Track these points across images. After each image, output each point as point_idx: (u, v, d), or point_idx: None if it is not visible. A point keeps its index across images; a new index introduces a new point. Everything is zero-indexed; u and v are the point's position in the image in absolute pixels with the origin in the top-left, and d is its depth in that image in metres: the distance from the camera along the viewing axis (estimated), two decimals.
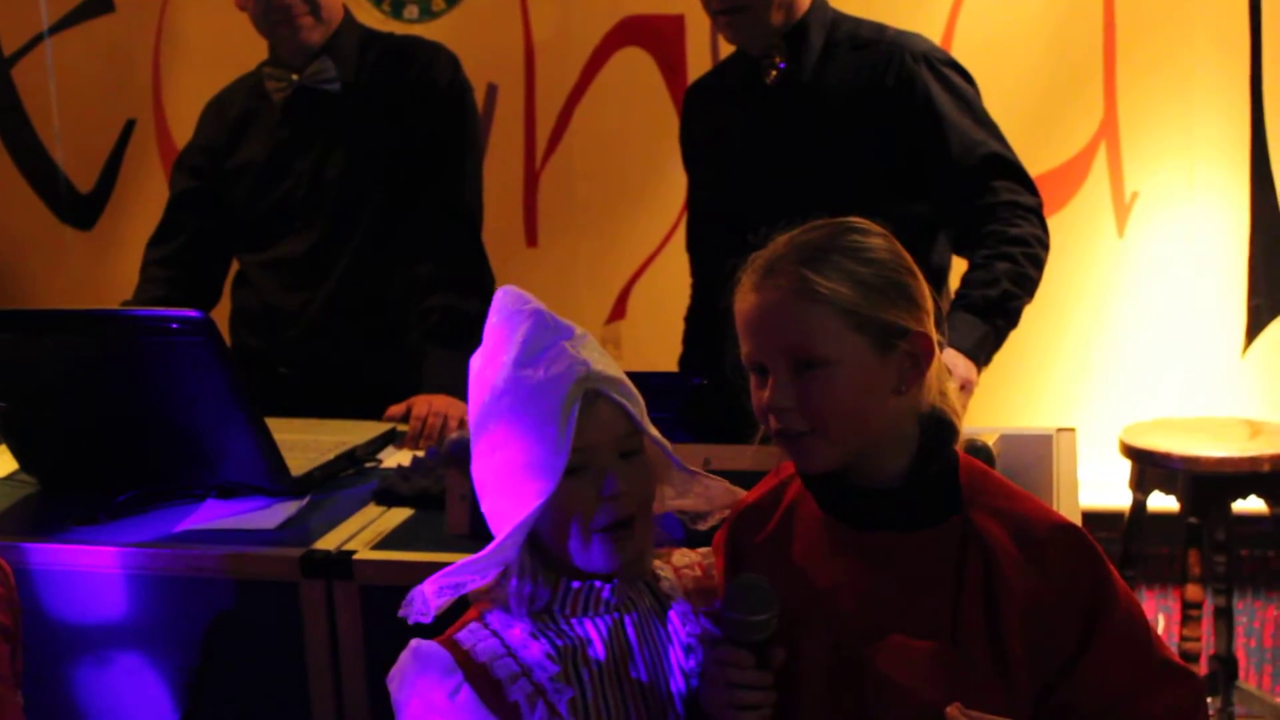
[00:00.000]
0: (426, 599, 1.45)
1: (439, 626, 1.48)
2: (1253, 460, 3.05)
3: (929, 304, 1.51)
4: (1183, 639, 3.20)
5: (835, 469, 1.50)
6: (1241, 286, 3.45)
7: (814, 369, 1.45)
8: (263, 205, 2.79)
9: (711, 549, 1.63)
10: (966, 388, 2.13)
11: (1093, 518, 2.23)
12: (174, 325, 2.00)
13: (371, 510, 2.11)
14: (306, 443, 2.31)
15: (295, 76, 2.73)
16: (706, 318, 2.61)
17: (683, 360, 2.73)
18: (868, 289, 1.46)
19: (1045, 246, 2.35)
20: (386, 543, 1.96)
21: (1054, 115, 3.46)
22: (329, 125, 2.75)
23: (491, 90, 3.73)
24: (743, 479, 1.62)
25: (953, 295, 2.35)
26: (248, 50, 2.86)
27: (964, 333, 2.20)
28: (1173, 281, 3.47)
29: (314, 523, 2.05)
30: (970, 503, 1.49)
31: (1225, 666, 3.29)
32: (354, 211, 2.74)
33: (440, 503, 2.01)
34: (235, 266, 2.90)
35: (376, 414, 2.53)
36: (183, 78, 3.89)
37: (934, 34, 3.25)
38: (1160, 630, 3.44)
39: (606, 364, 1.47)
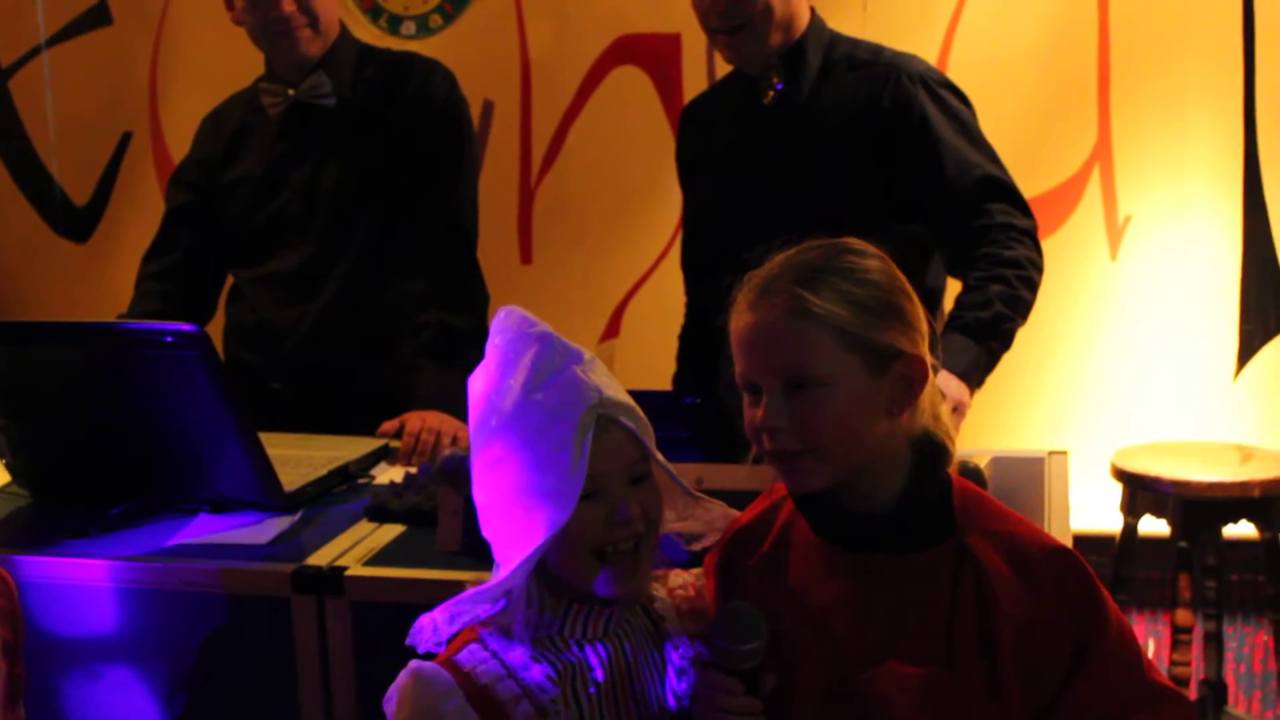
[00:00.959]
0: (439, 627, 1.44)
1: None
2: (1244, 485, 3.05)
3: (924, 326, 1.51)
4: (1173, 663, 3.20)
5: (827, 491, 1.50)
6: (1234, 311, 3.45)
7: (807, 389, 1.45)
8: (258, 219, 2.79)
9: (703, 571, 1.62)
10: (959, 410, 2.12)
11: (1083, 541, 2.24)
12: (168, 339, 2.00)
13: (364, 526, 2.10)
14: (299, 458, 2.31)
15: (291, 91, 2.74)
16: (701, 336, 2.61)
17: (677, 379, 2.73)
18: (863, 310, 1.46)
19: (1039, 269, 2.35)
20: (378, 559, 1.96)
21: (1048, 138, 3.47)
22: (324, 140, 2.75)
23: (488, 107, 3.74)
24: (736, 498, 1.62)
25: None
26: (244, 65, 2.86)
27: (956, 354, 2.20)
28: (1165, 305, 3.47)
29: (306, 538, 2.05)
30: (964, 526, 1.48)
31: (1215, 691, 3.28)
32: (349, 226, 2.73)
33: (432, 519, 2.00)
34: (230, 281, 2.90)
35: (370, 429, 2.52)
36: (179, 91, 3.89)
37: (930, 56, 3.26)
38: (1150, 654, 3.44)
39: (616, 390, 1.46)
